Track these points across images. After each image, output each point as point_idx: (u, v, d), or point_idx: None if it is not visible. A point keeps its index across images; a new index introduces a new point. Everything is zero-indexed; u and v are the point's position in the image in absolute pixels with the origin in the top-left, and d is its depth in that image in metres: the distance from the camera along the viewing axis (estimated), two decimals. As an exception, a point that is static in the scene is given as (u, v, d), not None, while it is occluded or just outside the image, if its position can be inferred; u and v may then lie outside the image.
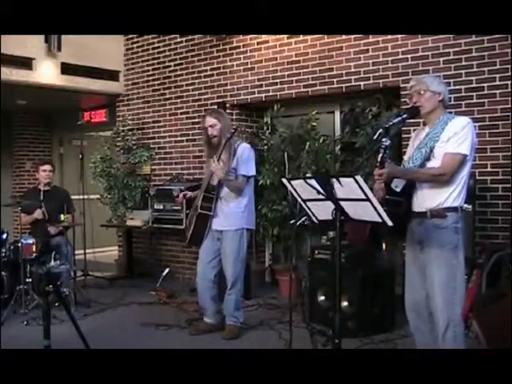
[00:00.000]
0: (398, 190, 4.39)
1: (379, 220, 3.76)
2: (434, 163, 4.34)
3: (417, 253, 4.51)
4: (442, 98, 4.45)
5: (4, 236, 7.61)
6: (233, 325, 6.42)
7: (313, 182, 3.88)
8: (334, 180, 3.75)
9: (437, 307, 4.36)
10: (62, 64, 9.64)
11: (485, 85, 6.84)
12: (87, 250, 9.23)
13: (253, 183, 6.49)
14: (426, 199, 4.39)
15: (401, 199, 4.39)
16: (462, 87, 6.95)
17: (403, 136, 7.26)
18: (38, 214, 7.94)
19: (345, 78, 7.96)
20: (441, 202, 4.34)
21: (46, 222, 7.93)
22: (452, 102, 6.80)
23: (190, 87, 9.70)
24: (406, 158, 4.67)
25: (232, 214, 6.26)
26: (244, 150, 6.25)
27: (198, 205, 6.27)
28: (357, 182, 3.62)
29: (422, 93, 4.42)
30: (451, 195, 4.34)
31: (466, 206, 6.32)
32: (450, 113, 4.58)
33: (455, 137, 4.27)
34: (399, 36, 7.42)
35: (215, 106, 9.10)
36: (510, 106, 6.62)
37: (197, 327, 6.61)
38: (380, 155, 4.12)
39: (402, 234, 4.56)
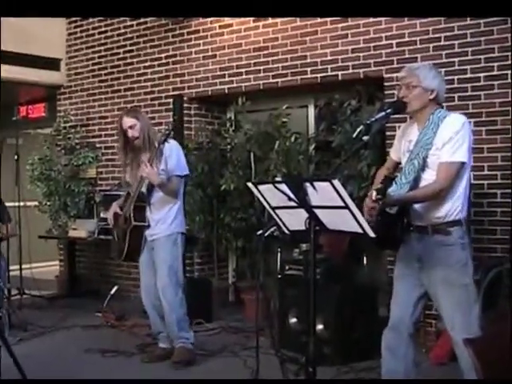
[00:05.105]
0: (393, 211, 4.32)
1: (360, 231, 3.73)
2: (429, 174, 4.31)
3: (414, 270, 4.47)
4: (434, 96, 4.39)
5: None
6: (182, 346, 6.38)
7: (283, 186, 3.87)
8: (308, 184, 3.73)
9: (453, 328, 4.33)
10: (-5, 51, 9.52)
11: (481, 75, 6.82)
12: (23, 266, 9.20)
13: (183, 183, 6.53)
14: (426, 212, 4.35)
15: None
16: (455, 77, 6.92)
17: (387, 134, 7.23)
18: None
19: (320, 67, 7.95)
20: (442, 215, 4.31)
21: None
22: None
23: (142, 78, 9.70)
24: (392, 155, 4.68)
25: (163, 220, 6.31)
26: (171, 147, 6.27)
27: (129, 217, 6.27)
28: (333, 186, 3.60)
29: (412, 87, 4.36)
30: (453, 207, 4.30)
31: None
32: (441, 106, 4.50)
33: (450, 143, 4.22)
34: (382, 19, 7.42)
35: (170, 100, 9.12)
36: (509, 99, 6.61)
37: (151, 354, 6.60)
38: (376, 195, 4.04)
39: (395, 247, 4.54)
